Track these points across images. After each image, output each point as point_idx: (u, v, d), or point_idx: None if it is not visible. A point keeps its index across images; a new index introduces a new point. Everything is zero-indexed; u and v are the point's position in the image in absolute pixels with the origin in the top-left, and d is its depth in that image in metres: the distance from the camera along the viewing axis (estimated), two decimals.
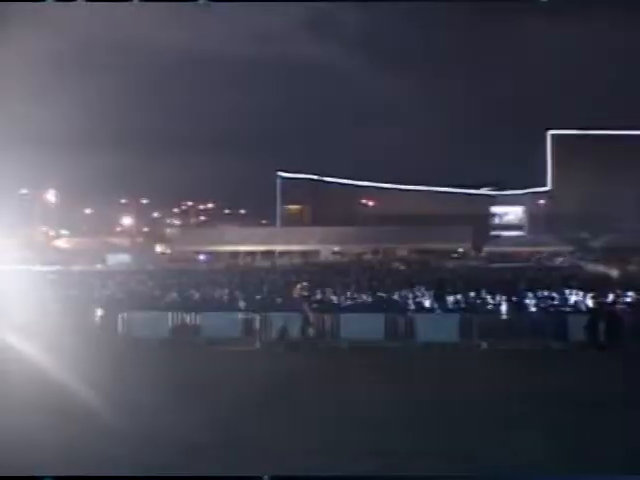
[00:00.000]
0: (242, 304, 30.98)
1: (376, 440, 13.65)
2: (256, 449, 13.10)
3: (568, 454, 12.78)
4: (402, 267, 68.99)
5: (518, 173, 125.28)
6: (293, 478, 11.52)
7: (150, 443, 13.40)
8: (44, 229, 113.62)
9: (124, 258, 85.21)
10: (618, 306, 28.67)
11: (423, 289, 33.40)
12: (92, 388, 17.38)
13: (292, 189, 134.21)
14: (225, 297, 33.09)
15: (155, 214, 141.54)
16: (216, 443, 13.42)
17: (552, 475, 11.73)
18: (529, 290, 32.43)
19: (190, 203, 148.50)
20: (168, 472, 11.68)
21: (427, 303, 30.88)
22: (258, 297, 32.24)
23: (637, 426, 14.85)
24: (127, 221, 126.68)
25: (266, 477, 11.47)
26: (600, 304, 28.88)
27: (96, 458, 12.46)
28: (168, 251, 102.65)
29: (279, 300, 31.33)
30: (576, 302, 30.48)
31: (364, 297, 32.52)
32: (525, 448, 13.10)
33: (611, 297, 29.96)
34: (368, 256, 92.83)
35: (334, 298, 32.42)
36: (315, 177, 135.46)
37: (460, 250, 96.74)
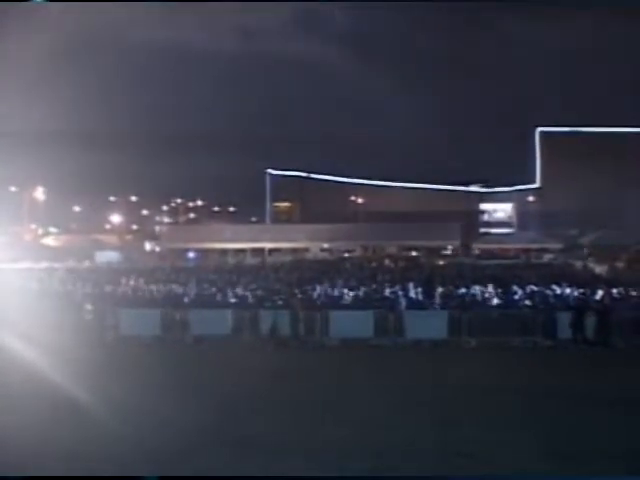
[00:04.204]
0: (232, 301, 31.00)
1: (368, 439, 13.66)
2: (250, 449, 13.09)
3: (561, 453, 12.82)
4: (391, 264, 68.95)
5: (507, 170, 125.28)
6: (291, 478, 11.50)
7: (147, 442, 13.36)
8: (33, 227, 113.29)
9: (113, 255, 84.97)
10: (606, 302, 28.80)
11: (412, 286, 33.44)
12: (83, 387, 17.35)
13: (281, 186, 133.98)
14: (215, 294, 33.07)
15: (144, 212, 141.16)
16: (212, 442, 13.40)
17: (552, 475, 11.78)
18: (518, 287, 32.53)
19: (179, 200, 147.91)
20: (167, 472, 11.62)
21: (416, 300, 30.93)
22: (248, 294, 32.23)
23: (624, 421, 14.97)
24: (116, 219, 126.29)
25: (262, 477, 11.49)
26: (586, 300, 29.03)
27: (92, 458, 12.40)
28: (157, 248, 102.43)
29: (269, 297, 31.32)
30: (565, 299, 30.58)
31: (353, 294, 32.55)
32: (517, 445, 13.18)
33: (600, 293, 30.08)
34: (357, 253, 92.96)
35: (323, 295, 32.44)
36: (304, 174, 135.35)
37: (449, 247, 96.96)
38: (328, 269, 52.19)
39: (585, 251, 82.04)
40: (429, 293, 31.81)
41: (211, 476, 11.54)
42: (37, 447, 12.94)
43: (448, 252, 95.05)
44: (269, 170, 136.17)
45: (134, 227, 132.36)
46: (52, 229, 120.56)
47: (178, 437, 13.51)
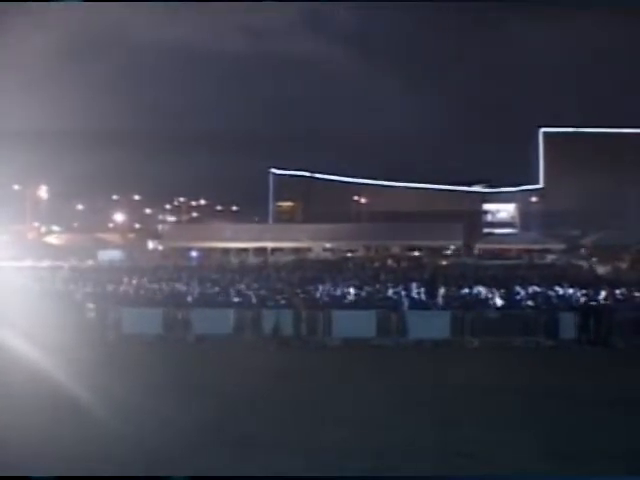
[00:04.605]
0: (234, 300, 30.99)
1: (368, 439, 13.66)
2: (250, 449, 13.09)
3: (561, 453, 12.82)
4: (394, 264, 68.90)
5: (510, 171, 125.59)
6: (291, 478, 11.50)
7: (147, 442, 13.35)
8: (35, 225, 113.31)
9: (116, 254, 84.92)
10: (608, 303, 28.79)
11: (415, 286, 33.41)
12: (84, 386, 17.36)
13: (284, 186, 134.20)
14: (217, 293, 33.06)
15: (147, 210, 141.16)
16: (213, 442, 13.40)
17: (552, 475, 11.78)
18: (521, 287, 32.51)
19: (182, 200, 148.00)
20: (166, 472, 11.62)
21: (419, 300, 30.90)
22: (250, 294, 32.22)
23: (624, 421, 14.96)
24: (119, 217, 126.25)
25: (262, 477, 11.49)
26: (590, 301, 29.02)
27: (93, 458, 12.39)
28: (160, 247, 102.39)
29: (271, 297, 31.30)
30: (567, 299, 30.56)
31: (356, 294, 32.52)
32: (517, 445, 13.18)
33: (602, 294, 30.05)
34: (360, 253, 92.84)
35: (326, 295, 32.42)
36: (307, 174, 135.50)
37: (452, 247, 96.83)
38: (330, 269, 52.13)
39: (584, 251, 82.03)
40: (432, 293, 31.77)
41: (211, 476, 11.53)
42: (37, 447, 12.95)
43: (451, 252, 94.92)
44: (272, 170, 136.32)
45: (137, 226, 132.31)
46: (55, 227, 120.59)
47: (179, 437, 13.52)
